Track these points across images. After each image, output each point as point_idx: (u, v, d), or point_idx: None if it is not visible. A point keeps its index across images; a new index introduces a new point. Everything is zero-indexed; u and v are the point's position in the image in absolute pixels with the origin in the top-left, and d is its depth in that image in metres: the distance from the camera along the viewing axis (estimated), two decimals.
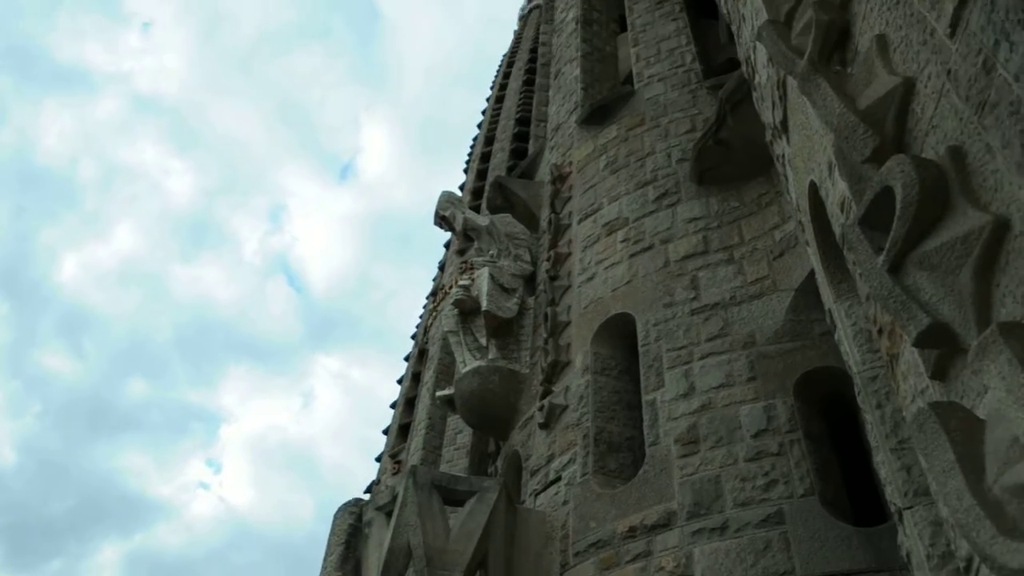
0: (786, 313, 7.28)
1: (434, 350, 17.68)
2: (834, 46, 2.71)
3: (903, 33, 2.28)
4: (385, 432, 20.80)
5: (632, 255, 8.80)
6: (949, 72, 2.02)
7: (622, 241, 9.05)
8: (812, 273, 5.46)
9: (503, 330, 10.19)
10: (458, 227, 12.19)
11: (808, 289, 6.82)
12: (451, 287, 15.86)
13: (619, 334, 8.51)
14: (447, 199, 12.51)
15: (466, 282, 11.37)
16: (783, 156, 3.89)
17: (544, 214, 11.16)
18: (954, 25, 1.98)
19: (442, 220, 12.50)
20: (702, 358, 7.38)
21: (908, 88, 2.23)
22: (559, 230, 10.35)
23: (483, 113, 28.01)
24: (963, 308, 1.88)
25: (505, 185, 12.60)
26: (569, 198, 10.60)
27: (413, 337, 22.92)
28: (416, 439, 16.66)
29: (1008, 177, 1.78)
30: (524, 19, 28.69)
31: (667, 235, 8.66)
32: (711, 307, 7.72)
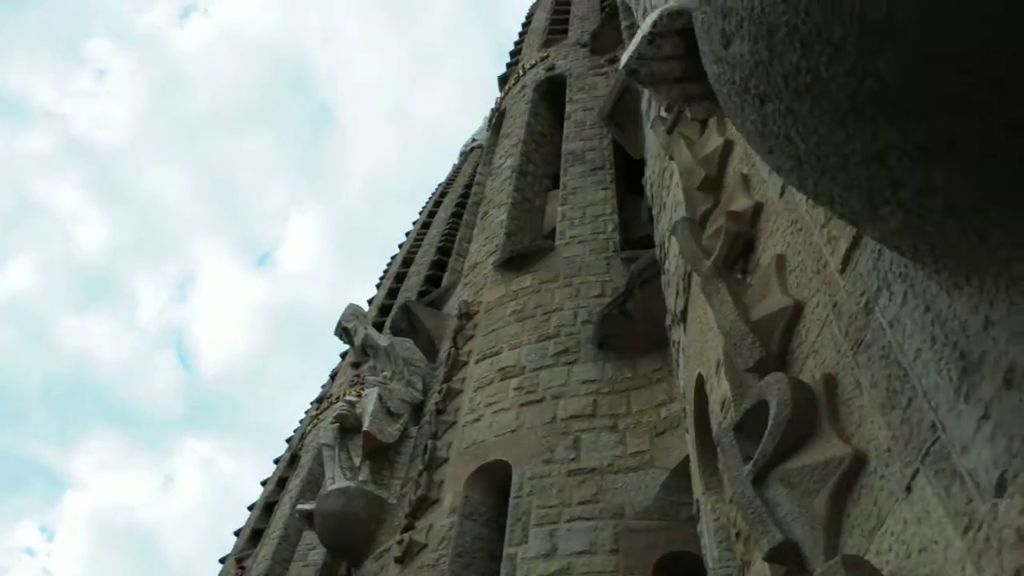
0: (659, 491, 7.35)
1: (306, 459, 17.19)
2: (739, 255, 2.88)
3: (800, 259, 2.44)
4: (237, 533, 19.88)
5: (522, 404, 8.83)
6: (835, 305, 2.16)
7: (515, 389, 9.09)
8: (688, 458, 5.56)
9: (380, 454, 10.02)
10: (357, 341, 12.10)
11: (683, 472, 6.90)
12: (338, 399, 15.57)
13: (494, 481, 8.44)
14: (352, 312, 12.45)
15: (353, 398, 11.22)
16: (678, 343, 4.03)
17: (445, 347, 11.17)
18: (845, 263, 2.13)
19: (343, 331, 12.41)
20: (570, 521, 7.34)
21: (797, 311, 2.37)
22: (456, 365, 10.36)
23: (406, 235, 28.28)
24: (814, 532, 1.94)
25: (413, 310, 12.64)
26: (472, 336, 10.67)
27: (288, 440, 22.27)
28: (266, 548, 15.96)
29: (871, 415, 1.88)
30: (465, 155, 29.46)
31: (559, 392, 8.75)
32: (588, 471, 7.75)
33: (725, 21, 1.59)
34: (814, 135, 1.50)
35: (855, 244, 2.09)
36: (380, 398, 10.48)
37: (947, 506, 1.57)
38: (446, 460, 8.99)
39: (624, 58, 2.21)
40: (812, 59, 1.41)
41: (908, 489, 1.71)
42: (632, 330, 8.57)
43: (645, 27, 2.20)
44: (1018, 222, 1.40)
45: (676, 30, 2.13)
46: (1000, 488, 1.43)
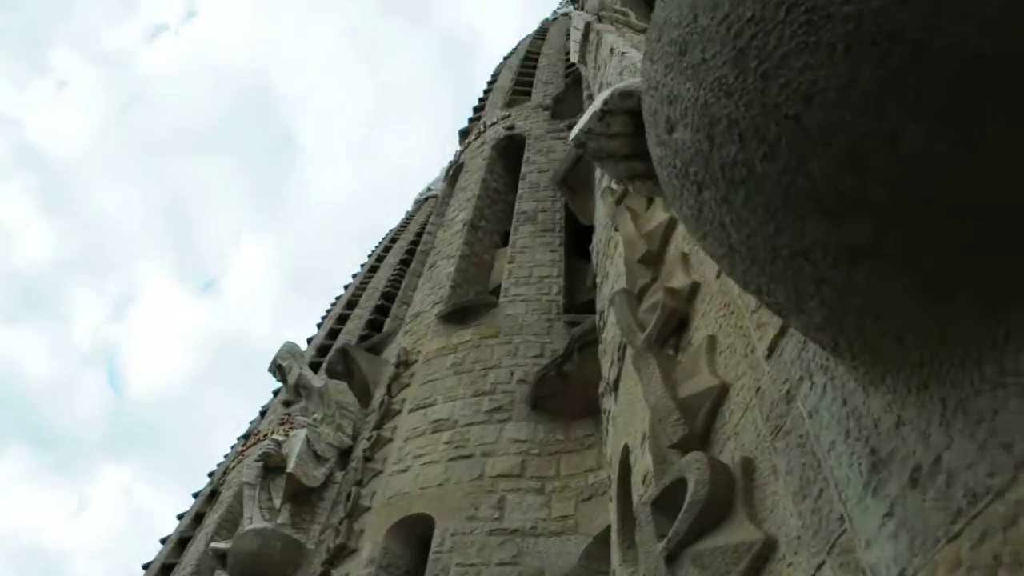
0: (580, 558, 7.31)
1: (227, 495, 16.78)
2: (673, 331, 2.92)
3: (731, 341, 2.49)
4: (146, 567, 19.23)
5: (451, 459, 8.77)
6: (759, 390, 2.20)
7: (446, 443, 9.03)
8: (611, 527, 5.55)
9: (302, 498, 9.84)
10: (291, 380, 11.94)
11: (605, 540, 6.88)
12: (265, 437, 15.28)
13: (416, 534, 8.33)
14: (289, 349, 12.31)
15: (280, 437, 11.04)
16: (609, 412, 4.06)
17: (379, 393, 11.07)
18: (771, 350, 2.18)
19: (278, 368, 12.24)
20: None
21: (723, 392, 2.41)
22: (388, 414, 10.27)
23: (353, 276, 28.13)
24: None
25: (351, 353, 12.52)
26: (407, 385, 10.60)
27: (210, 475, 21.73)
28: None
29: (784, 502, 1.91)
30: (419, 204, 29.53)
31: (489, 449, 8.71)
32: (510, 532, 7.70)
33: (670, 108, 1.64)
34: (746, 226, 1.54)
35: (782, 332, 2.14)
36: (308, 440, 10.33)
37: None
38: (368, 509, 8.86)
39: (574, 131, 2.26)
40: (749, 154, 1.46)
41: None
42: (567, 393, 8.60)
43: (597, 103, 2.26)
44: (932, 327, 1.46)
45: (626, 109, 2.19)
46: None
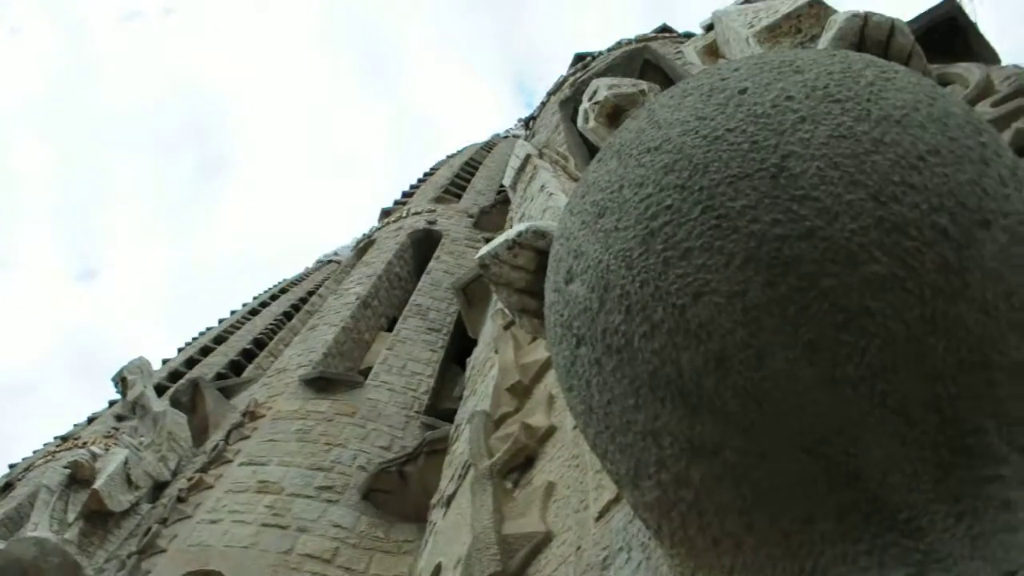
0: None
1: (21, 492, 15.66)
2: (518, 466, 2.94)
3: (568, 493, 2.52)
4: None
5: (265, 524, 8.43)
6: (579, 548, 2.23)
7: (266, 506, 8.70)
8: None
9: (98, 519, 9.29)
10: (130, 396, 11.45)
11: None
12: (84, 444, 14.46)
13: None
14: (139, 365, 11.83)
15: (99, 451, 10.49)
16: (435, 525, 4.01)
17: (216, 437, 10.68)
18: (602, 513, 2.22)
19: (122, 380, 11.72)
20: None
21: (546, 540, 2.42)
22: (218, 459, 9.87)
23: (232, 313, 27.39)
24: None
25: (201, 387, 12.10)
26: (247, 437, 10.25)
27: (11, 466, 20.32)
28: None
29: None
30: (321, 264, 29.19)
31: (307, 526, 8.43)
32: None
33: (575, 261, 1.71)
34: (609, 392, 1.59)
35: (616, 499, 2.18)
36: (127, 462, 9.82)
37: None
38: (163, 551, 8.40)
39: (483, 250, 2.32)
40: (631, 327, 1.52)
41: None
42: (402, 494, 8.46)
43: (512, 232, 2.33)
44: (747, 543, 1.51)
45: (535, 247, 2.26)
46: None
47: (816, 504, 1.39)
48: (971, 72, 3.47)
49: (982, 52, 4.63)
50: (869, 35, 2.39)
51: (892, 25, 2.40)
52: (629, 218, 1.60)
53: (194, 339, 26.06)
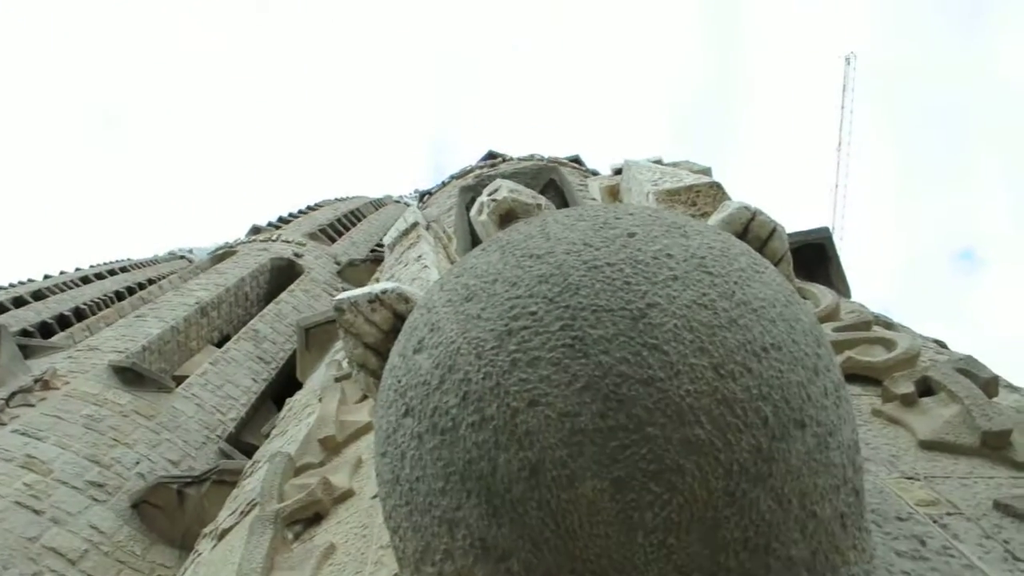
0: None
1: None
2: (305, 520, 2.88)
3: (346, 560, 2.48)
4: None
5: (18, 503, 7.84)
6: None
7: (25, 484, 8.10)
8: None
9: None
10: None
11: None
12: None
13: None
14: None
15: None
16: (200, 555, 3.84)
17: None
18: None
19: None
20: None
21: None
22: None
23: (60, 273, 25.92)
24: None
25: (1, 337, 11.30)
26: (31, 405, 9.59)
27: None
28: None
29: None
30: (172, 257, 28.16)
31: (63, 519, 7.89)
32: None
33: (429, 334, 1.74)
34: (421, 469, 1.61)
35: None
36: None
37: None
38: None
39: (343, 295, 2.31)
40: (462, 414, 1.55)
41: None
42: (174, 515, 8.06)
43: (378, 287, 2.34)
44: None
45: (395, 310, 2.28)
46: None
47: None
48: (824, 295, 3.75)
49: (838, 284, 5.02)
50: (752, 229, 2.56)
51: (774, 228, 2.59)
52: (494, 311, 1.65)
53: (11, 285, 24.45)
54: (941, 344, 3.68)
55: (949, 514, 1.94)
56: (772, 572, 1.45)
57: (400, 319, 2.28)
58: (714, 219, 2.50)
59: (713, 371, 1.50)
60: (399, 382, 1.77)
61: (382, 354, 2.28)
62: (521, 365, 1.54)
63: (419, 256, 3.86)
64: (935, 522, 1.89)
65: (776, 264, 2.44)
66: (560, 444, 1.45)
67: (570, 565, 1.43)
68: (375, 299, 2.32)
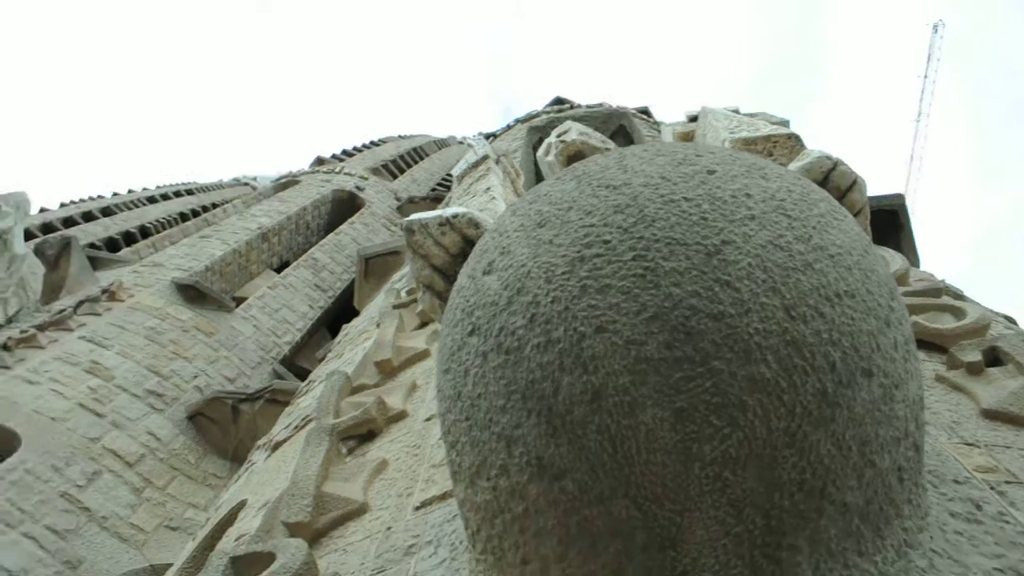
0: (128, 573, 6.85)
1: None
2: (359, 436, 2.94)
3: (397, 476, 2.53)
4: None
5: (82, 405, 8.13)
6: (389, 529, 2.24)
7: (89, 388, 8.39)
8: (172, 567, 5.28)
9: None
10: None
11: (161, 572, 6.54)
12: None
13: None
14: (18, 201, 11.29)
15: None
16: (253, 465, 3.94)
17: (66, 303, 10.27)
18: (424, 505, 2.24)
19: None
20: (22, 529, 6.64)
21: (360, 511, 2.42)
22: (59, 324, 9.47)
23: (129, 191, 26.46)
24: None
25: (72, 249, 11.61)
26: (98, 315, 9.89)
27: None
28: None
29: None
30: (237, 183, 28.57)
31: (123, 423, 8.18)
32: (82, 507, 7.12)
33: (500, 256, 1.75)
34: (483, 386, 1.63)
35: (443, 497, 2.21)
36: None
37: None
38: None
39: (415, 216, 2.33)
40: (529, 333, 1.56)
41: None
42: (228, 429, 8.29)
43: (448, 212, 2.35)
44: (556, 568, 1.56)
45: (465, 234, 2.29)
46: None
47: (630, 558, 1.45)
48: (895, 259, 3.68)
49: (908, 253, 4.91)
50: (832, 179, 2.52)
51: (855, 180, 2.54)
52: (566, 238, 1.65)
53: (81, 200, 25.03)
54: (1010, 320, 3.60)
55: (1008, 482, 1.91)
56: (825, 516, 1.45)
57: (469, 244, 2.30)
58: (794, 165, 2.46)
59: (784, 312, 1.48)
60: (467, 302, 1.79)
61: (449, 277, 2.30)
62: (591, 291, 1.54)
63: (487, 188, 3.87)
64: (992, 488, 1.86)
65: (855, 216, 2.40)
66: (624, 371, 1.45)
67: (624, 490, 1.44)
68: (445, 222, 2.33)
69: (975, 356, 2.55)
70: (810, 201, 1.76)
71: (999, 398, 2.33)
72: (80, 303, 10.09)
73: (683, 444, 1.40)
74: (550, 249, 1.65)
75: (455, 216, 2.27)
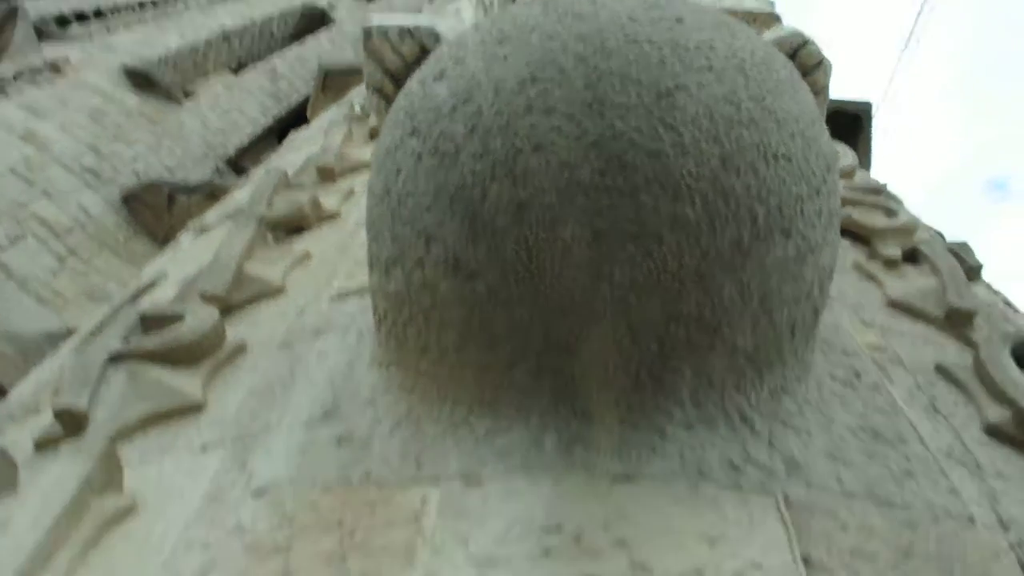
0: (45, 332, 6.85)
1: None
2: (287, 229, 2.95)
3: (319, 267, 2.57)
4: None
5: (13, 171, 7.90)
6: (302, 311, 2.30)
7: (24, 155, 8.15)
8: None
9: None
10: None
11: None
12: None
13: None
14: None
15: None
16: (180, 244, 3.95)
17: (4, 67, 9.85)
18: (340, 296, 2.30)
19: None
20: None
21: (276, 292, 2.46)
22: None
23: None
24: None
25: (17, 15, 11.05)
26: (38, 85, 9.53)
27: None
28: None
29: (239, 394, 1.99)
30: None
31: (54, 194, 7.99)
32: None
33: (453, 65, 1.73)
34: (413, 184, 1.64)
35: (359, 292, 2.26)
36: None
37: None
38: None
39: (375, 21, 2.29)
40: (467, 142, 1.58)
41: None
42: (161, 215, 8.19)
43: (411, 21, 2.31)
44: (452, 357, 1.63)
45: (423, 44, 2.26)
46: None
47: (523, 355, 1.52)
48: (847, 154, 3.73)
49: (862, 156, 4.99)
50: (800, 56, 2.52)
51: (821, 61, 2.55)
52: (523, 58, 1.64)
53: None
54: (942, 236, 3.72)
55: (892, 362, 2.03)
56: (714, 352, 1.53)
57: (426, 54, 2.27)
58: (767, 35, 2.46)
59: (720, 161, 1.52)
60: (412, 105, 1.78)
61: (399, 82, 2.28)
62: (536, 111, 1.55)
63: (457, 9, 3.78)
64: (875, 364, 1.98)
65: (814, 97, 2.42)
66: (552, 190, 1.48)
67: (532, 298, 1.49)
68: (406, 32, 2.30)
69: (895, 252, 2.65)
70: (771, 67, 1.77)
71: (906, 291, 2.44)
72: (21, 72, 9.69)
73: (596, 263, 1.45)
74: (504, 65, 1.64)
75: (416, 29, 2.23)
